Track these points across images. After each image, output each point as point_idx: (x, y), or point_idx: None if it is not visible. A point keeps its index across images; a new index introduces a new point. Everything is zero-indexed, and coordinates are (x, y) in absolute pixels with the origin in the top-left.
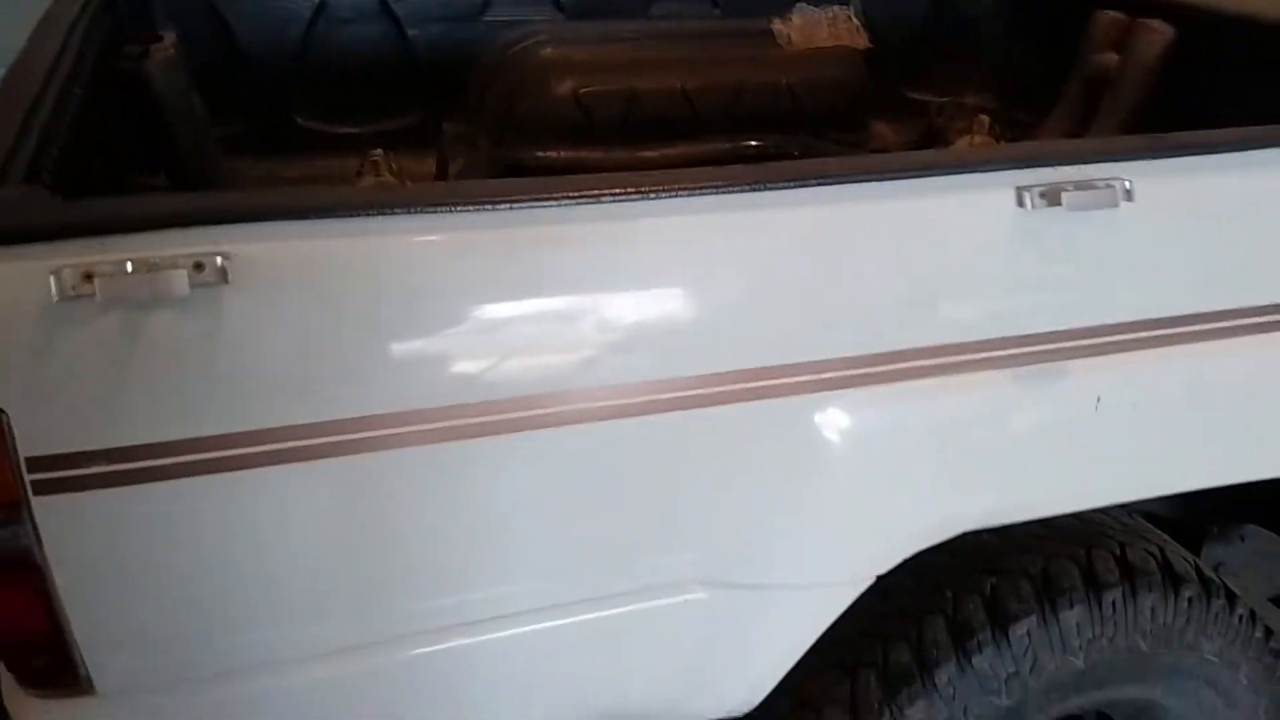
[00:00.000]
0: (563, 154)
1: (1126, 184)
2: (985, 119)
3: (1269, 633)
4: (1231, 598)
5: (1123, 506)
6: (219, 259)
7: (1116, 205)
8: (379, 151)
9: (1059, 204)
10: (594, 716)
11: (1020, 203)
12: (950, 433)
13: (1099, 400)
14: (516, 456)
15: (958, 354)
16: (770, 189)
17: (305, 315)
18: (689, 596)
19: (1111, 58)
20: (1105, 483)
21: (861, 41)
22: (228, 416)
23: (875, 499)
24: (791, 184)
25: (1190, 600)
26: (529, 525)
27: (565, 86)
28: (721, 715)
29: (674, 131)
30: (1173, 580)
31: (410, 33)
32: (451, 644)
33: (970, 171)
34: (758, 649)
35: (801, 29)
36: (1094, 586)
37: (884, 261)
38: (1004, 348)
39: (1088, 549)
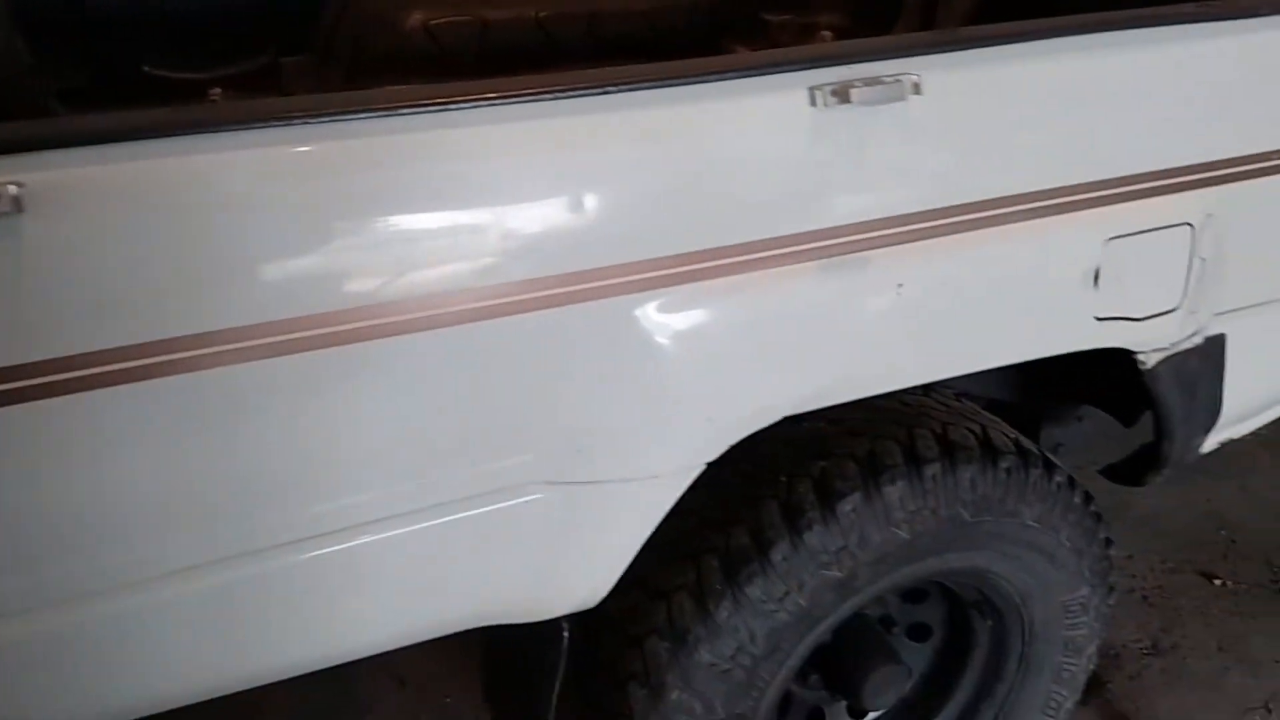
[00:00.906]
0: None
1: (915, 78)
2: (828, 35)
3: (1088, 497)
4: (1050, 467)
5: (957, 392)
6: (12, 188)
7: (905, 99)
8: (217, 91)
9: (849, 101)
10: (446, 620)
11: (813, 101)
12: (764, 324)
13: (900, 286)
14: (346, 369)
15: (766, 249)
16: (573, 97)
17: (111, 240)
18: (529, 497)
19: None
20: (912, 364)
21: None
22: (41, 344)
23: (698, 391)
24: (595, 91)
25: (1008, 471)
26: (366, 436)
27: (415, 18)
28: (572, 609)
29: (529, 60)
30: (991, 454)
31: None
32: (299, 558)
33: (763, 73)
34: (600, 543)
35: None
36: (915, 462)
37: (688, 165)
38: (808, 241)
39: (911, 430)
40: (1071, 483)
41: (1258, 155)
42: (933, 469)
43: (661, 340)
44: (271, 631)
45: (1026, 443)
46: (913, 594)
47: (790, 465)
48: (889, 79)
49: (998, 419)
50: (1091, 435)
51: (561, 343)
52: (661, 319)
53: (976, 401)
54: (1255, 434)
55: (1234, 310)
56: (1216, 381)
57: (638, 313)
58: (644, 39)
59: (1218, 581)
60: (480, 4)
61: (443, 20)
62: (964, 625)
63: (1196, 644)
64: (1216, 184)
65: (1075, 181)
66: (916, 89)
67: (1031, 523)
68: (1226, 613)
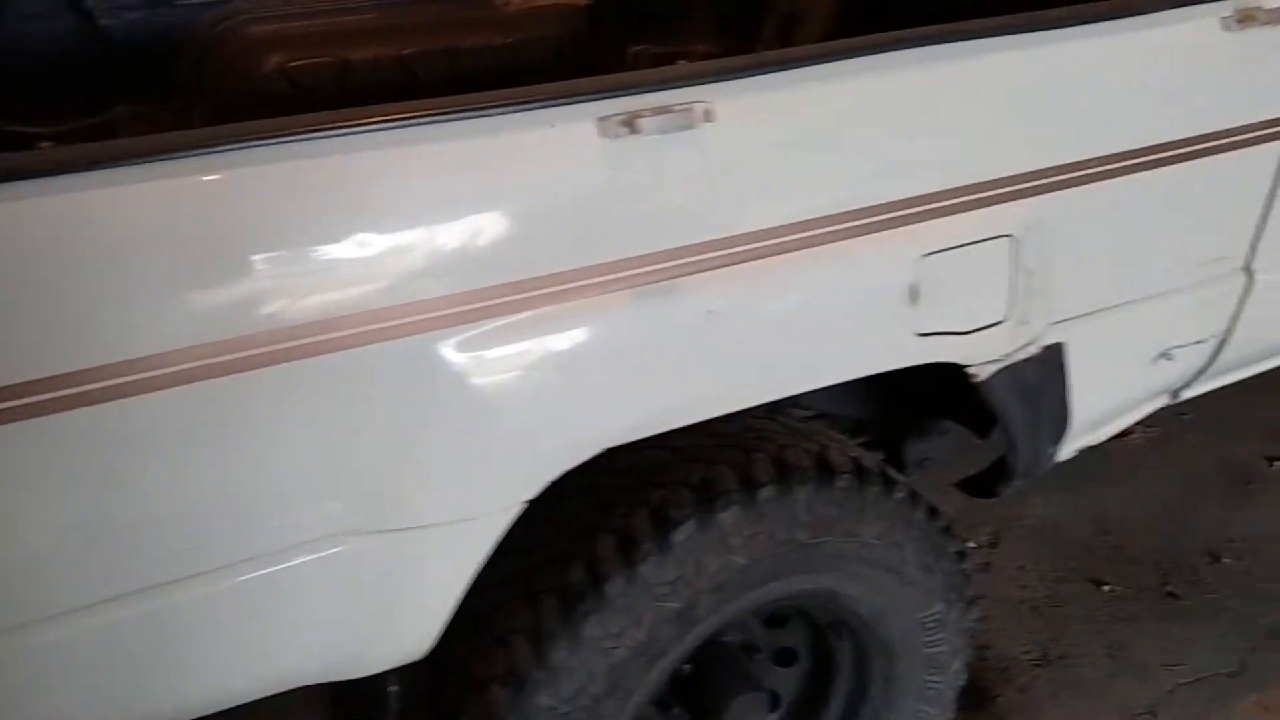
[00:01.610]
0: None
1: (706, 106)
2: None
3: (933, 511)
4: (889, 484)
5: (819, 411)
6: None
7: (696, 127)
8: (46, 144)
9: (638, 131)
10: (264, 681)
11: (603, 132)
12: (571, 357)
13: (710, 313)
14: (132, 425)
15: (569, 282)
16: (366, 132)
17: None
18: (339, 548)
19: None
20: (729, 389)
21: None
22: None
23: (508, 429)
24: (388, 125)
25: (844, 490)
26: (163, 491)
27: (272, 62)
28: (397, 663)
29: (393, 99)
30: (826, 474)
31: (103, 23)
32: (110, 617)
33: (551, 105)
34: (418, 592)
35: None
36: (749, 486)
37: (485, 199)
38: (612, 272)
39: (749, 453)
40: (914, 498)
41: (1076, 164)
42: (767, 492)
43: (466, 378)
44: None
45: (868, 460)
46: (775, 619)
47: (628, 496)
48: (678, 107)
49: (842, 438)
50: (956, 448)
51: (362, 384)
52: (464, 356)
53: (839, 419)
54: (1144, 435)
55: (1071, 318)
56: (1060, 390)
57: (439, 350)
58: (508, 72)
59: (1106, 587)
60: (341, 45)
61: (301, 62)
62: (827, 648)
63: (1085, 652)
64: (1035, 194)
65: (885, 200)
66: (708, 116)
67: (873, 541)
68: (1114, 618)
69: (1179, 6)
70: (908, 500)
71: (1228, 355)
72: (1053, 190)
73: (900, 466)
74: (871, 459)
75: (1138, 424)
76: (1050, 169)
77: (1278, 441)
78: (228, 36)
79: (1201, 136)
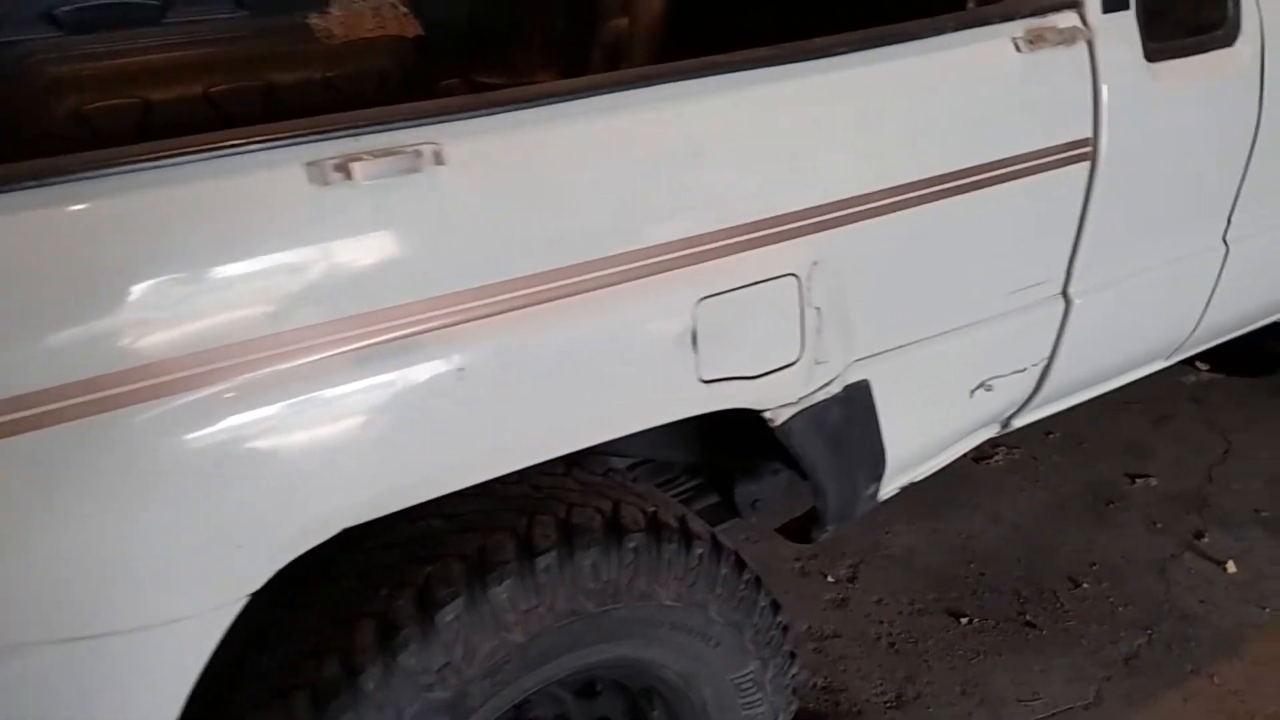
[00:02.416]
0: None
1: (436, 147)
2: None
3: (740, 564)
4: (688, 539)
5: (640, 458)
6: None
7: (425, 170)
8: None
9: (353, 176)
10: None
11: (313, 179)
12: (289, 430)
13: (462, 371)
14: None
15: (283, 345)
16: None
17: None
18: (36, 658)
19: (623, 21)
20: (490, 453)
21: (412, 29)
22: None
23: (217, 516)
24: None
25: (635, 551)
26: None
27: (67, 104)
28: None
29: None
30: (615, 534)
31: None
32: None
33: (245, 150)
34: (131, 703)
35: (344, 21)
36: (527, 555)
37: (183, 259)
38: (337, 331)
39: (532, 516)
40: (717, 552)
41: (863, 197)
42: (547, 560)
43: (166, 460)
44: None
45: (667, 515)
46: (589, 687)
47: (396, 573)
48: (405, 149)
49: (642, 491)
50: (788, 488)
51: (48, 468)
52: (162, 435)
53: (666, 464)
54: (1008, 456)
55: (875, 355)
56: (870, 428)
57: (132, 429)
58: (330, 108)
59: (965, 620)
60: (144, 84)
61: (98, 105)
62: (643, 715)
63: (941, 690)
64: (819, 230)
65: (651, 244)
66: (438, 158)
67: (671, 603)
68: (972, 652)
69: (965, 29)
70: (710, 555)
71: (1054, 382)
72: (839, 225)
73: (733, 509)
74: (673, 512)
75: (1000, 445)
76: (835, 204)
77: (1139, 458)
78: (22, 79)
79: (999, 162)
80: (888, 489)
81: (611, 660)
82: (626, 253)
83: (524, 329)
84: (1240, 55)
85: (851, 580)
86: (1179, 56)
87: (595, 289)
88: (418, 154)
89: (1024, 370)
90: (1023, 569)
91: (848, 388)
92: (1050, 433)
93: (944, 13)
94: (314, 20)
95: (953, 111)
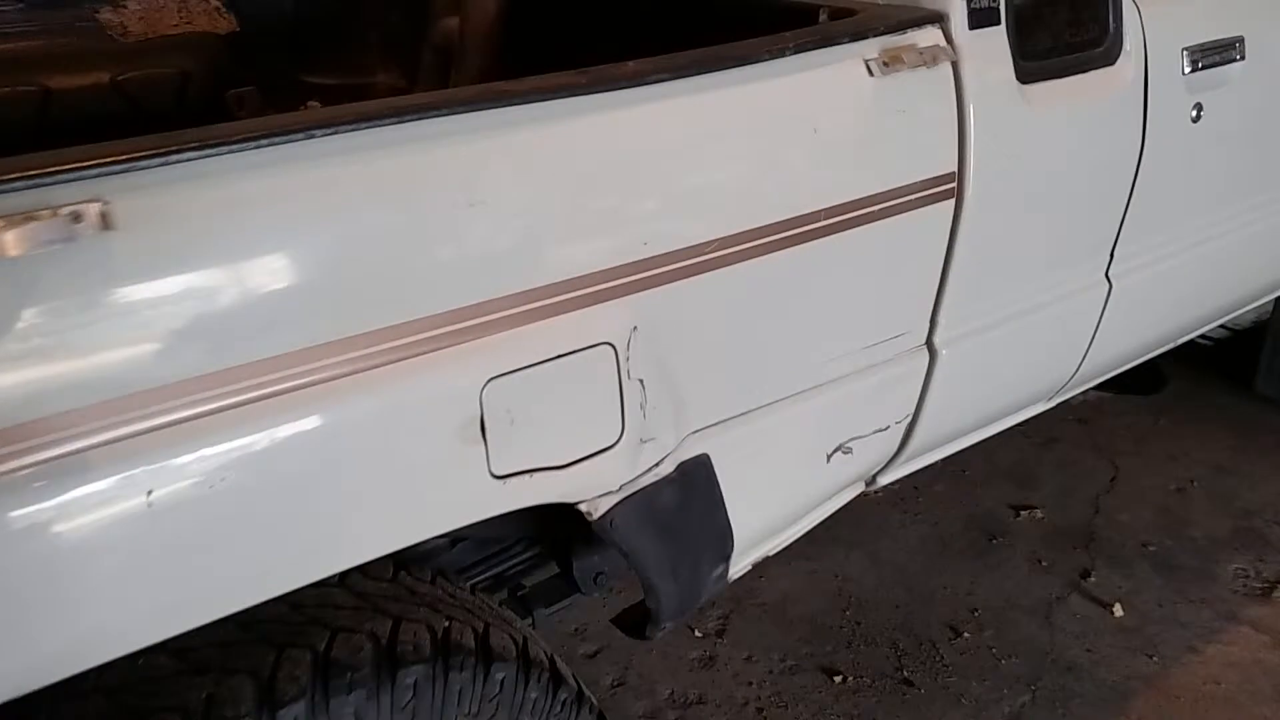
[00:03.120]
0: None
1: (102, 206)
2: (317, 104)
3: (557, 681)
4: (487, 663)
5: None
6: None
7: (83, 238)
8: None
9: None
10: None
11: None
12: None
13: (150, 494)
14: None
15: None
16: None
17: None
18: None
19: (454, 21)
20: (193, 596)
21: (224, 25)
22: None
23: None
24: None
25: (415, 686)
26: None
27: None
28: None
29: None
30: (390, 667)
31: None
32: None
33: None
34: None
35: (143, 17)
36: (268, 707)
37: None
38: None
39: (280, 651)
40: (526, 673)
41: (687, 250)
42: (293, 712)
43: None
44: None
45: (461, 634)
46: None
47: None
48: (57, 211)
49: (444, 595)
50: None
51: None
52: None
53: (500, 542)
54: (888, 487)
55: (714, 425)
56: (712, 507)
57: None
58: (121, 115)
59: (839, 678)
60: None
61: None
62: None
63: None
64: (636, 291)
65: (415, 316)
66: (106, 221)
67: None
68: (846, 716)
69: (808, 50)
70: (516, 678)
71: (921, 438)
72: (662, 283)
73: (573, 584)
74: (471, 627)
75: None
76: (655, 259)
77: (1024, 487)
78: None
79: (849, 204)
80: (739, 567)
81: None
82: (379, 331)
83: (238, 435)
84: (1122, 75)
85: (720, 634)
86: (1055, 77)
87: (340, 377)
88: (75, 217)
89: (886, 429)
90: (901, 616)
91: (683, 465)
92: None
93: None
94: (105, 14)
95: (794, 147)
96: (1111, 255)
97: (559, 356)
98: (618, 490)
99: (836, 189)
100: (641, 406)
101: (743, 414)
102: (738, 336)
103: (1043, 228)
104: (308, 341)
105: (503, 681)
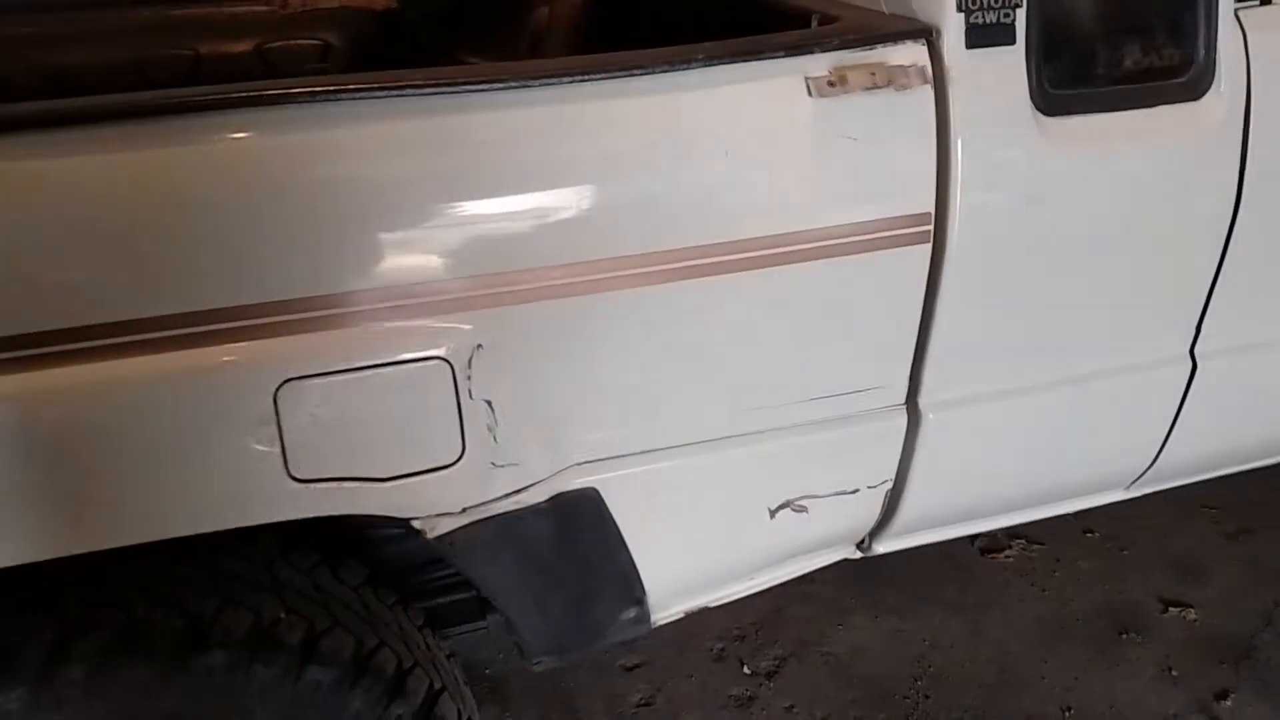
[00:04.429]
0: None
1: None
2: None
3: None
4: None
5: None
6: None
7: None
8: None
9: None
10: None
11: None
12: None
13: None
14: None
15: None
16: None
17: None
18: None
19: (544, 11)
20: None
21: (381, 2)
22: None
23: None
24: None
25: (211, 671)
26: None
27: None
28: None
29: None
30: (186, 649)
31: None
32: None
33: None
34: None
35: None
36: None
37: None
38: None
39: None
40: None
41: (545, 271)
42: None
43: None
44: None
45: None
46: None
47: None
48: None
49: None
50: None
51: None
52: None
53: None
54: (1024, 551)
55: (604, 460)
56: (605, 545)
57: None
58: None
59: None
60: (58, 50)
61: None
62: None
63: None
64: (482, 307)
65: (211, 307)
66: None
67: None
68: None
69: (718, 64)
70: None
71: (919, 510)
72: (518, 303)
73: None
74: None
75: (1021, 536)
76: (508, 276)
77: (1187, 581)
78: None
79: (768, 239)
80: (667, 613)
81: None
82: (165, 317)
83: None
84: (1210, 113)
85: (771, 676)
86: (1102, 110)
87: (124, 356)
88: None
89: (855, 492)
90: (980, 699)
91: (561, 497)
92: (1089, 531)
93: None
94: None
95: (696, 170)
96: (1198, 330)
97: (376, 366)
98: (460, 512)
99: (752, 221)
100: (490, 429)
101: (642, 453)
102: (626, 370)
103: (1079, 288)
104: (100, 318)
105: (319, 684)
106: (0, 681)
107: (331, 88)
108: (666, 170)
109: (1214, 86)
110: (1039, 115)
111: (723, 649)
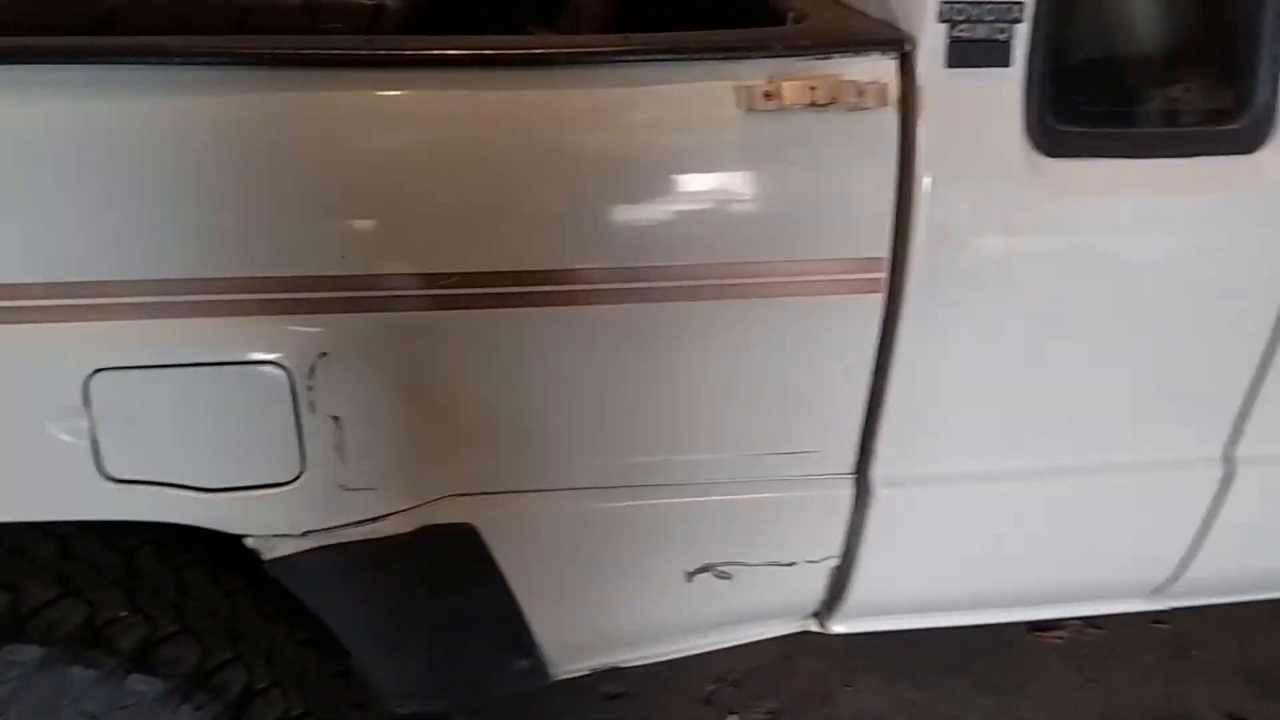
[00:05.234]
0: None
1: None
2: None
3: None
4: None
5: None
6: None
7: None
8: None
9: None
10: None
11: None
12: None
13: None
14: None
15: None
16: None
17: None
18: None
19: None
20: None
21: None
22: None
23: None
24: None
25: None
26: None
27: None
28: None
29: None
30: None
31: None
32: None
33: None
34: None
35: None
36: None
37: None
38: None
39: None
40: None
41: (404, 279)
42: None
43: None
44: None
45: None
46: None
47: None
48: None
49: None
50: None
51: None
52: None
53: None
54: (1077, 635)
55: (480, 495)
56: (483, 587)
57: None
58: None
59: None
60: None
61: None
62: None
63: None
64: (323, 312)
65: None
66: None
67: None
68: None
69: (619, 63)
70: None
71: (875, 591)
72: (373, 311)
73: None
74: None
75: (1074, 619)
76: (359, 280)
77: (1258, 694)
78: None
79: (666, 270)
80: (572, 666)
81: None
82: None
83: None
84: (1266, 171)
85: None
86: (1123, 156)
87: None
88: None
89: (793, 564)
90: None
91: (427, 530)
92: (1159, 621)
93: None
94: None
95: (591, 185)
96: (1238, 429)
97: (196, 364)
98: (302, 535)
99: (666, 245)
100: (337, 448)
101: (532, 491)
102: (515, 399)
103: (1075, 367)
104: None
105: (141, 695)
106: None
107: None
108: (556, 180)
109: (1273, 138)
110: (1035, 154)
111: (713, 691)
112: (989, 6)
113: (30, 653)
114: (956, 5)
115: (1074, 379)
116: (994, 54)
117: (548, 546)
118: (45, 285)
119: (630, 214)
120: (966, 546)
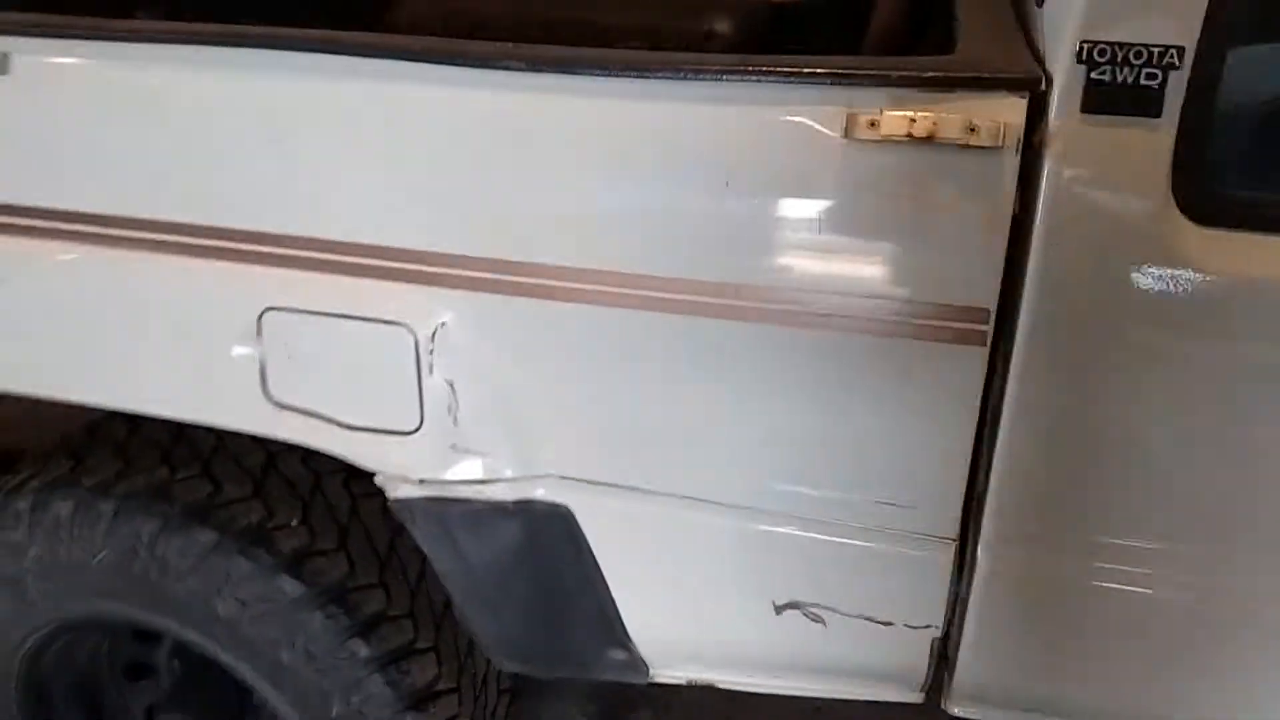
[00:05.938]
0: None
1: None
2: None
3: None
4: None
5: None
6: None
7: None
8: None
9: None
10: None
11: None
12: None
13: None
14: None
15: None
16: None
17: None
18: None
19: None
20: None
21: None
22: None
23: None
24: None
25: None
26: None
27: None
28: None
29: None
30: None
31: None
32: None
33: None
34: None
35: None
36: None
37: None
38: None
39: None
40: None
41: (527, 267)
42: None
43: None
44: None
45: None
46: None
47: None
48: None
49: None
50: None
51: None
52: None
53: None
54: None
55: (578, 481)
56: (577, 569)
57: None
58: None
59: None
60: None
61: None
62: None
63: None
64: (453, 286)
65: (214, 223)
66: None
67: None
68: None
69: (731, 80)
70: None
71: (982, 676)
72: (496, 292)
73: None
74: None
75: None
76: (484, 262)
77: None
78: None
79: (760, 290)
80: (667, 673)
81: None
82: (182, 224)
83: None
84: None
85: None
86: None
87: (145, 250)
88: None
89: (889, 625)
90: None
91: (529, 504)
92: None
93: None
94: None
95: (699, 195)
96: None
97: (340, 315)
98: (418, 483)
99: (748, 266)
100: (450, 410)
101: (619, 487)
102: (608, 396)
103: (1220, 458)
104: (127, 211)
105: (286, 595)
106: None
107: None
108: (669, 190)
109: None
110: (1182, 220)
111: None
112: (1138, 49)
113: (209, 536)
114: (1099, 45)
115: (1215, 466)
116: (1141, 101)
117: (641, 546)
118: (233, 231)
119: (736, 232)
120: (1089, 640)
